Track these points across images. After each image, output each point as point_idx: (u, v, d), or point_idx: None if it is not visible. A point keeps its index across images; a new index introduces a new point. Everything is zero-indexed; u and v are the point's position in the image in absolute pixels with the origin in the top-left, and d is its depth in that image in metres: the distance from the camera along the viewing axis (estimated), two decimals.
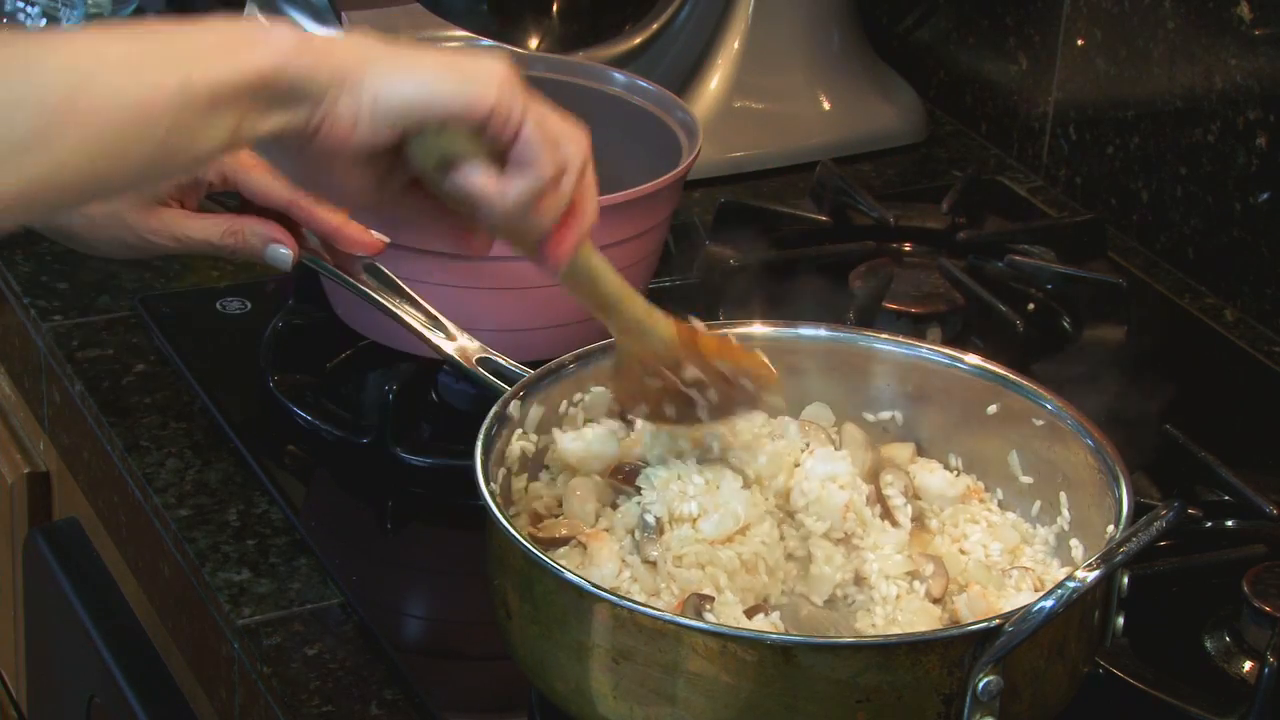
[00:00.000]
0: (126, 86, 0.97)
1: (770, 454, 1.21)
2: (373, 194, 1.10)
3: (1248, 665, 1.24)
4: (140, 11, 2.10)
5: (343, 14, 1.61)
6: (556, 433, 1.25)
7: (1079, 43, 1.81)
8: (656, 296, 1.54)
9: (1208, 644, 1.26)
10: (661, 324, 1.20)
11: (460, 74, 1.07)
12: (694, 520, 1.18)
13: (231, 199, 1.32)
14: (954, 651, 1.05)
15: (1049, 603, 1.05)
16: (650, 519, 1.18)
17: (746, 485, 1.20)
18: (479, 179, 1.08)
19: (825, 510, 1.18)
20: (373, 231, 1.32)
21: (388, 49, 1.06)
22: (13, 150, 0.94)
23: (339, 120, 1.04)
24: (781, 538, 1.19)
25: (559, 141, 1.10)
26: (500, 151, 1.08)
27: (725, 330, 1.25)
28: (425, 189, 1.10)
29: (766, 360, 1.21)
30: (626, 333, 1.20)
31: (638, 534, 1.18)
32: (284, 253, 1.31)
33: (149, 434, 1.45)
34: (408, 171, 1.09)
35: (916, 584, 1.18)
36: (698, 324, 1.21)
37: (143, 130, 0.98)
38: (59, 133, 0.95)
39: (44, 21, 1.97)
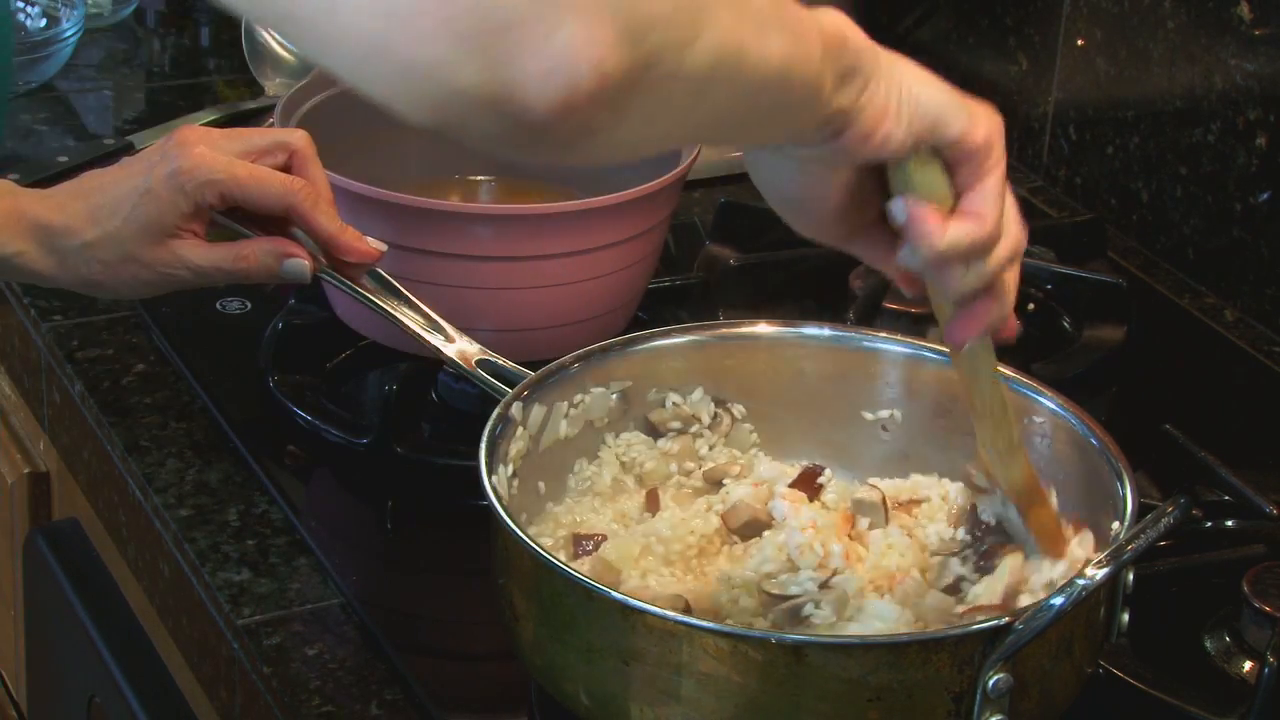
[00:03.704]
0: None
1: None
2: (840, 223, 1.08)
3: (1248, 665, 1.24)
4: (140, 12, 2.11)
5: None
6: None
7: (1079, 43, 1.81)
8: (656, 296, 1.55)
9: (1208, 644, 1.26)
10: (1019, 465, 1.17)
11: (962, 102, 1.06)
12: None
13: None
14: (964, 649, 1.05)
15: (1059, 600, 1.05)
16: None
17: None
18: (924, 210, 1.04)
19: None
20: (369, 239, 1.32)
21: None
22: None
23: (872, 110, 1.01)
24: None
25: (1009, 214, 1.07)
26: (956, 194, 1.05)
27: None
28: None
29: (1065, 537, 1.18)
30: (984, 447, 1.17)
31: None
32: (301, 265, 1.31)
33: (149, 434, 1.45)
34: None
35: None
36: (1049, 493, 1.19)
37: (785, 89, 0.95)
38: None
39: (44, 21, 1.97)
